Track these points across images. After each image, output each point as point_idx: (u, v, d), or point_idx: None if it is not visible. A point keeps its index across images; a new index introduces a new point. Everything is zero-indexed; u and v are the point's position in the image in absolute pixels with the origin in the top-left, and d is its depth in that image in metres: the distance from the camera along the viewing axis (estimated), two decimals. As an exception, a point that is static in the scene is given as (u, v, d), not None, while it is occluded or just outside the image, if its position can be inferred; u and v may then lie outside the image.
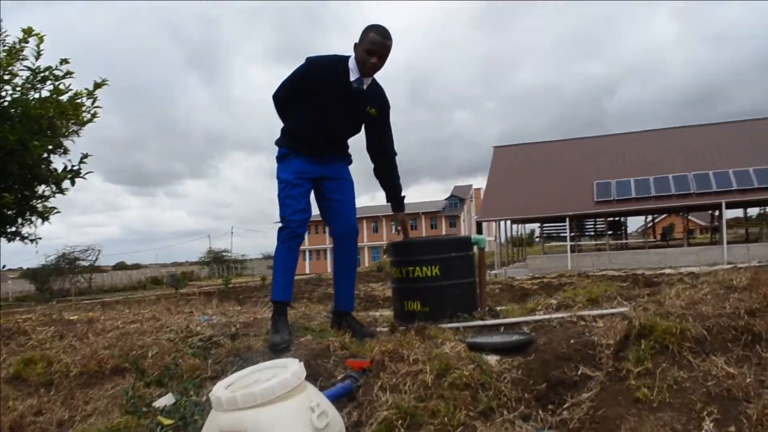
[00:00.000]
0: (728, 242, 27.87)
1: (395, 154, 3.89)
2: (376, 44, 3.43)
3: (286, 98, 3.66)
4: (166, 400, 2.84)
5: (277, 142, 3.70)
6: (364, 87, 3.58)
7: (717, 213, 32.72)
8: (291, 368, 2.20)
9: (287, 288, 3.53)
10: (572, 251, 29.37)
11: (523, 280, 22.46)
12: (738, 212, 37.09)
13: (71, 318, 4.48)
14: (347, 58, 3.55)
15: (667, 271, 23.80)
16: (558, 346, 3.01)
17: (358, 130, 3.76)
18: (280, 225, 3.56)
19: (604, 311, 3.39)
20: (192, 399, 2.82)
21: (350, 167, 3.85)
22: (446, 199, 68.32)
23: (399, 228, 3.92)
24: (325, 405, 2.22)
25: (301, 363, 2.27)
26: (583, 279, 21.45)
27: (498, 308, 3.93)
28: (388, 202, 3.91)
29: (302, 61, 3.56)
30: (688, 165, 29.35)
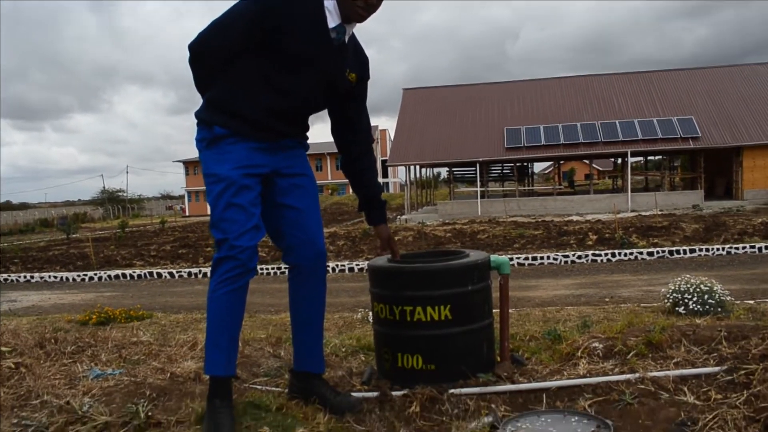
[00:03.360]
0: (631, 190, 28.44)
1: (372, 140, 2.67)
2: None
3: (218, 50, 2.25)
4: None
5: (203, 117, 2.32)
6: (346, 39, 2.32)
7: (620, 161, 33.40)
8: None
9: (232, 355, 2.28)
10: (481, 197, 29.14)
11: (434, 226, 21.95)
12: (637, 158, 38.12)
13: None
14: None
15: (575, 218, 24.04)
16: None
17: (327, 104, 2.50)
18: (216, 254, 2.24)
19: (686, 372, 2.41)
20: None
21: None
22: (351, 140, 67.17)
23: (383, 248, 2.69)
24: None
25: None
26: (494, 225, 21.32)
27: (524, 355, 2.88)
28: (361, 210, 2.66)
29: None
30: (596, 114, 29.59)
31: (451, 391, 2.44)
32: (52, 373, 2.73)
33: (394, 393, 2.46)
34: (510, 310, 6.12)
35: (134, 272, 16.41)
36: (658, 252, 14.52)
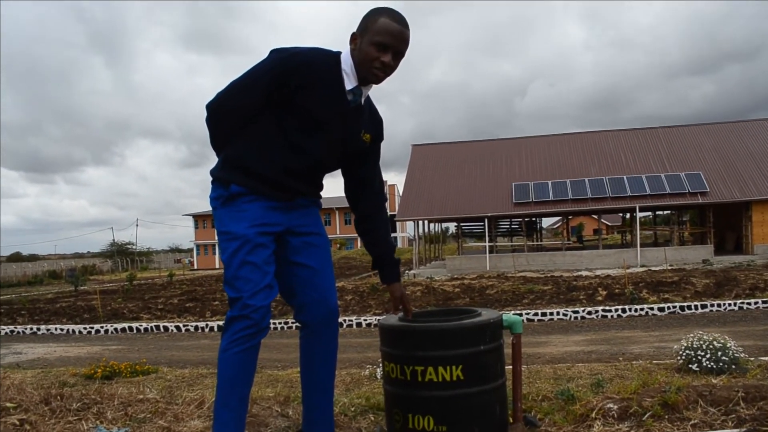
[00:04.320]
0: (640, 245, 28.34)
1: (385, 199, 2.69)
2: (392, 34, 2.18)
3: (237, 111, 2.30)
4: None
5: (219, 175, 2.34)
6: (362, 101, 2.36)
7: (629, 216, 33.40)
8: None
9: (242, 416, 2.24)
10: (489, 252, 29.08)
11: (443, 281, 21.83)
12: (645, 213, 38.12)
13: None
14: (337, 55, 2.29)
15: (584, 273, 23.87)
16: None
17: (342, 164, 2.53)
18: (230, 312, 2.23)
19: (704, 435, 2.35)
20: None
21: None
22: (361, 195, 67.93)
23: (396, 307, 2.66)
24: None
25: None
26: (503, 281, 21.17)
27: (537, 416, 2.81)
28: (374, 268, 2.67)
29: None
30: (603, 169, 29.75)
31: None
32: (57, 431, 2.68)
33: (404, 455, 2.41)
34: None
35: (141, 325, 16.34)
36: (669, 307, 14.38)
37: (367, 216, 2.59)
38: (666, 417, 2.56)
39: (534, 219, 34.99)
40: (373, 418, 3.04)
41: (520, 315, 14.44)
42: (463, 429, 2.49)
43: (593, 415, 2.64)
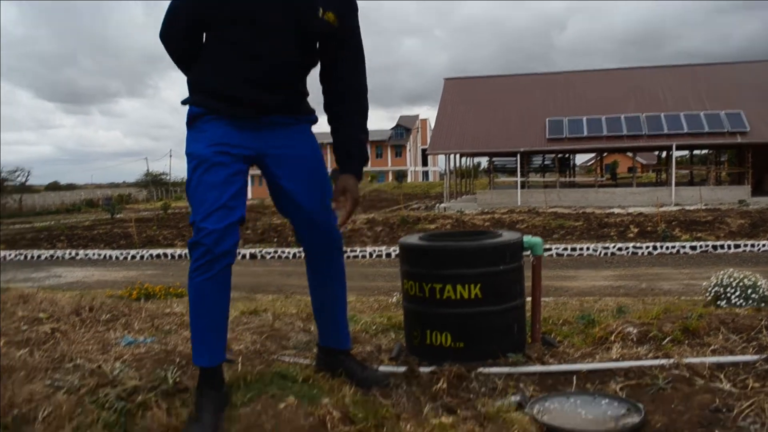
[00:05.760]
0: (675, 184, 27.81)
1: (364, 87, 2.32)
2: None
3: (179, 32, 2.17)
4: None
5: (185, 101, 2.19)
6: None
7: (665, 154, 32.69)
8: None
9: (218, 345, 2.13)
10: (521, 187, 28.84)
11: (473, 215, 21.82)
12: (682, 152, 37.27)
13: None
14: None
15: (616, 210, 23.61)
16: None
17: (314, 60, 2.26)
18: (190, 239, 2.05)
19: (723, 359, 2.33)
20: None
21: None
22: (392, 129, 67.40)
23: (337, 200, 2.22)
24: None
25: None
26: (534, 216, 21.07)
27: (556, 339, 2.82)
28: (337, 162, 2.29)
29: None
30: (640, 106, 28.93)
31: (480, 369, 2.41)
32: (86, 339, 2.78)
33: (421, 369, 2.45)
34: (547, 299, 6.03)
35: (175, 252, 16.71)
36: (701, 246, 14.22)
37: (336, 96, 2.31)
38: (686, 342, 2.54)
39: (567, 155, 34.45)
40: (393, 336, 3.09)
41: (549, 249, 14.44)
42: (480, 346, 2.52)
43: (612, 338, 2.64)
